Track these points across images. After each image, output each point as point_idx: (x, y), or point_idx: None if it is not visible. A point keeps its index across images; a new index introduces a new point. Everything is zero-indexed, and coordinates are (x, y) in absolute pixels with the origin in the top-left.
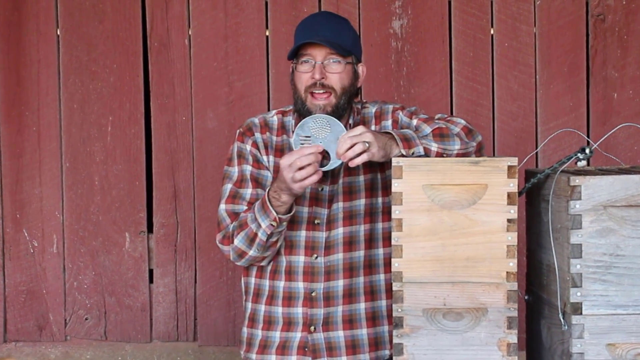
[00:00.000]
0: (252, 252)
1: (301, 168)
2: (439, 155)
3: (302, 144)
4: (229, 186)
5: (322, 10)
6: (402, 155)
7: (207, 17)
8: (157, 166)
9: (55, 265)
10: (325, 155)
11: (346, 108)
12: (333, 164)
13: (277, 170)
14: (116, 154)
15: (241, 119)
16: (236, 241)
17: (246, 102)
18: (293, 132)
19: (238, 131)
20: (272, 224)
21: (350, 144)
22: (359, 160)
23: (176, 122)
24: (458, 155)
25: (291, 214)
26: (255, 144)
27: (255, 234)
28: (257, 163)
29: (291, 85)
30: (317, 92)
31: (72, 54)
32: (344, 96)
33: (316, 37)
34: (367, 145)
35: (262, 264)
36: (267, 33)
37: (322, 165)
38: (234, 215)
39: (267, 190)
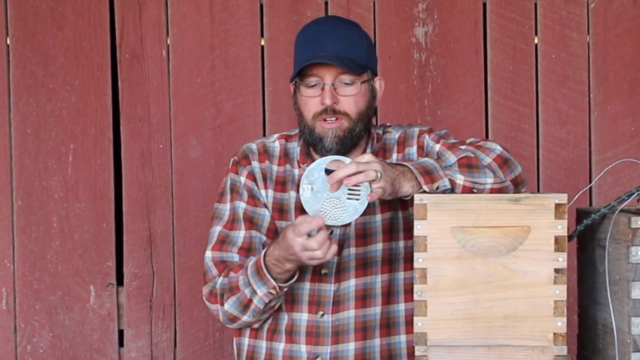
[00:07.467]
0: (246, 318)
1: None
2: (468, 190)
3: None
4: (217, 228)
5: (328, 14)
6: (423, 192)
7: (190, 23)
8: (129, 204)
9: (4, 324)
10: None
11: (362, 135)
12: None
13: (276, 207)
14: (79, 190)
15: (230, 147)
16: (227, 306)
17: (237, 126)
18: (299, 164)
19: (232, 160)
20: (270, 292)
21: (355, 169)
22: (372, 197)
23: (152, 151)
24: (492, 191)
25: (293, 280)
26: (251, 175)
27: (250, 300)
28: (253, 199)
29: (295, 109)
30: (328, 119)
31: (25, 68)
32: (360, 122)
33: (323, 52)
34: (378, 175)
35: (255, 326)
36: (263, 42)
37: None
38: (222, 264)
39: (262, 254)
